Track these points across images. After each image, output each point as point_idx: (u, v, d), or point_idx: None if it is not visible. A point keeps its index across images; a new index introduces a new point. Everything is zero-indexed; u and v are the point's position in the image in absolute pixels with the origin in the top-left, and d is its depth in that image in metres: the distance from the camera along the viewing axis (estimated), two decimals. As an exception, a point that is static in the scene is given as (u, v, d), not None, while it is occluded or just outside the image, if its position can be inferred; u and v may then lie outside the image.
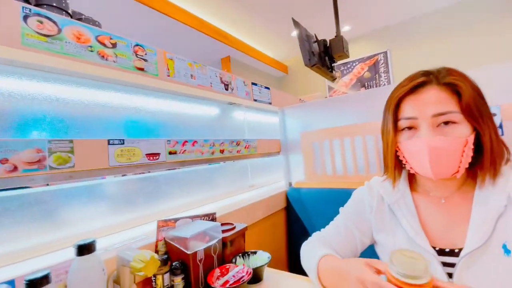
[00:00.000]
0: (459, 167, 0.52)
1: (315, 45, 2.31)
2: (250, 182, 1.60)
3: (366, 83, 3.87)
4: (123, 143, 0.73)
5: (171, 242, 0.70)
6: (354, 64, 3.93)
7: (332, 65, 2.47)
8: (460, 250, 0.53)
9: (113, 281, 0.60)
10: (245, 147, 1.24)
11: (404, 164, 0.60)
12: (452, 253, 0.54)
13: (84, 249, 0.52)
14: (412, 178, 0.66)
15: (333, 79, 2.65)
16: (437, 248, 0.56)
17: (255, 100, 1.27)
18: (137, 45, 0.76)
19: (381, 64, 3.72)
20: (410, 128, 0.57)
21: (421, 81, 0.55)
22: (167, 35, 2.81)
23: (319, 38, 2.23)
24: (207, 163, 1.10)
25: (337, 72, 4.07)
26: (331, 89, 4.17)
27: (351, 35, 3.82)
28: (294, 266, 1.38)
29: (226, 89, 1.08)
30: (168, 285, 0.66)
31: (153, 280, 0.65)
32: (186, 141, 0.94)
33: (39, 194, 0.72)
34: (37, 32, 0.57)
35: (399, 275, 0.40)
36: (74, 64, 0.63)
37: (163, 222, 0.74)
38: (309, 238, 0.75)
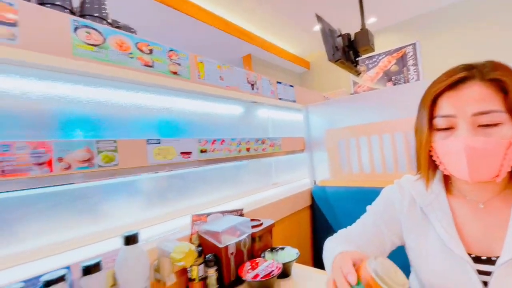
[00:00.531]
0: (500, 170, 0.49)
1: (339, 40, 2.26)
2: (273, 180, 1.62)
3: (393, 77, 3.71)
4: (160, 143, 0.78)
5: (204, 236, 0.74)
6: (380, 58, 3.79)
7: (357, 59, 2.41)
8: (498, 258, 0.51)
9: (154, 269, 0.65)
10: (270, 145, 1.26)
11: (438, 165, 0.58)
12: (489, 261, 0.52)
13: (130, 240, 0.57)
14: (447, 180, 0.64)
15: (357, 73, 2.57)
16: (472, 255, 0.54)
17: (280, 99, 1.28)
18: (171, 50, 0.80)
19: (410, 57, 3.55)
20: (447, 128, 0.54)
21: (462, 76, 0.51)
22: (189, 35, 2.87)
23: (343, 32, 2.18)
24: (234, 161, 1.13)
25: (362, 66, 3.94)
26: (356, 83, 4.05)
27: (377, 27, 3.68)
28: (319, 263, 1.39)
29: (252, 89, 1.11)
30: (202, 275, 0.70)
31: (189, 271, 0.69)
32: (215, 140, 0.98)
33: (84, 189, 0.79)
34: (86, 43, 0.63)
35: (372, 271, 0.40)
36: (117, 71, 0.69)
37: (197, 216, 0.78)
38: (334, 235, 0.75)
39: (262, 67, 3.77)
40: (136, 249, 0.58)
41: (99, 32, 0.66)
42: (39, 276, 0.49)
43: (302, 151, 1.52)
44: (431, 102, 0.56)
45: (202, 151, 0.91)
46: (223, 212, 0.87)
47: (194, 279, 0.68)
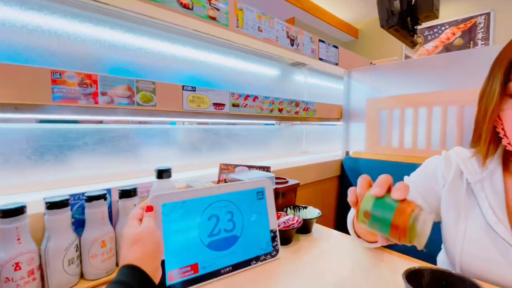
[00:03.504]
0: None
1: (397, 3, 2.00)
2: (303, 148, 1.60)
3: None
4: (195, 90, 0.79)
5: (230, 184, 0.77)
6: (443, 28, 3.31)
7: (415, 27, 2.13)
8: None
9: (182, 206, 0.70)
10: (304, 109, 1.21)
11: (502, 138, 0.51)
12: None
13: (163, 174, 0.61)
14: (508, 157, 0.56)
15: (413, 45, 2.29)
16: None
17: (321, 59, 1.20)
18: (211, -7, 0.78)
19: (480, 29, 3.04)
20: None
21: None
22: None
23: (404, -7, 1.91)
24: (265, 119, 1.12)
25: (420, 37, 3.49)
26: (409, 58, 3.64)
27: (446, -9, 3.17)
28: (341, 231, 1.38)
29: (292, 45, 1.05)
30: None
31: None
32: (248, 96, 0.97)
33: (125, 130, 0.86)
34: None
35: (416, 215, 0.35)
36: (157, 11, 0.69)
37: (224, 165, 0.81)
38: None
39: (305, 34, 3.55)
40: (168, 183, 0.62)
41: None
42: (84, 193, 0.56)
43: (338, 119, 1.45)
44: (508, 63, 0.48)
45: (234, 105, 0.91)
46: (249, 167, 0.88)
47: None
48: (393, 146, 1.20)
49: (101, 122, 0.80)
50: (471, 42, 3.13)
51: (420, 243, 0.35)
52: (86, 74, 0.60)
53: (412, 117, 1.13)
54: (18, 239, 0.47)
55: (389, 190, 0.39)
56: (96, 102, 0.61)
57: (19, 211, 0.46)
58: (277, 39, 0.98)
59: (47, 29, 0.70)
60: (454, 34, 3.25)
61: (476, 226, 0.54)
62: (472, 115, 0.58)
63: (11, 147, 0.67)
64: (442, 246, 0.65)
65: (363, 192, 0.41)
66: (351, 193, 0.44)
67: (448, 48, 3.30)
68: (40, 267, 0.49)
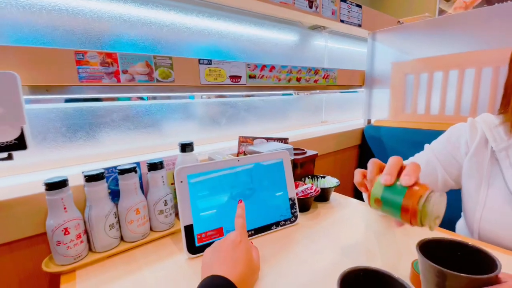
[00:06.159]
0: None
1: None
2: (323, 118, 1.56)
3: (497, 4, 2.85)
4: (211, 63, 0.79)
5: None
6: (486, -26, 2.87)
7: (452, -25, 1.88)
8: None
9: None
10: (324, 77, 1.17)
11: None
12: None
13: (186, 147, 0.64)
14: None
15: (448, -4, 2.04)
16: None
17: (342, 21, 1.12)
18: (222, -44, 0.73)
19: (534, -30, 2.60)
20: None
21: None
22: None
23: None
24: (283, 90, 1.10)
25: (457, -13, 3.07)
26: (443, 13, 3.26)
27: None
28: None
29: (310, 7, 0.98)
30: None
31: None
32: (264, 66, 0.95)
33: (148, 106, 0.89)
34: None
35: (426, 201, 0.34)
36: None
37: (243, 138, 0.83)
38: None
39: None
40: (191, 156, 0.66)
41: None
42: (116, 167, 0.60)
43: (361, 86, 1.39)
44: None
45: (250, 77, 0.90)
46: (267, 139, 0.89)
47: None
48: (419, 113, 1.14)
49: (124, 99, 0.83)
50: (520, -11, 2.71)
51: (431, 225, 0.34)
52: (106, 53, 0.62)
53: (441, 81, 1.06)
54: (64, 208, 0.53)
55: (400, 173, 0.38)
56: (119, 81, 0.64)
57: (62, 183, 0.52)
58: (294, 2, 0.92)
59: (64, 8, 0.71)
60: (500, -20, 2.83)
61: (498, 194, 0.53)
62: (510, 77, 0.54)
63: (46, 126, 0.73)
64: (462, 213, 0.65)
65: (373, 178, 0.40)
66: (357, 175, 0.44)
67: (490, -2, 2.89)
68: (86, 231, 0.56)
